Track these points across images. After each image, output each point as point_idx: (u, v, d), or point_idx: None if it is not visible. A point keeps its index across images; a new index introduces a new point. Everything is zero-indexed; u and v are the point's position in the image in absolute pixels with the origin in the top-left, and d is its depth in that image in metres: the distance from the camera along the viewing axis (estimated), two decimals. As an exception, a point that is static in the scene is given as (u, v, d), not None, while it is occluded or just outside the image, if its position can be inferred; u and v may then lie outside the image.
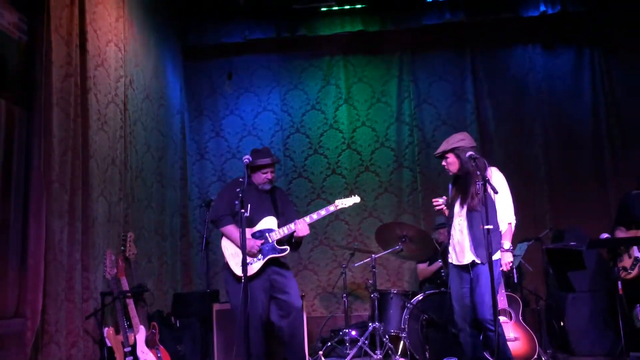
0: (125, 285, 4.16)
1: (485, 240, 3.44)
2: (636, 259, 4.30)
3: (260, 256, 4.06)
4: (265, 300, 4.09)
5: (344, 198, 4.20)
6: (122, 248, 4.40)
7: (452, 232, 3.82)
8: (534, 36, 6.42)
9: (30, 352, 3.51)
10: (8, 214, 3.63)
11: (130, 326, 4.07)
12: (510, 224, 3.74)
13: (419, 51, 6.57)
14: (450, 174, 3.83)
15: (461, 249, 3.73)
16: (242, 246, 3.34)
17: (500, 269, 3.70)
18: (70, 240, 4.04)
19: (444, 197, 3.92)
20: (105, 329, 3.91)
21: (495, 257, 3.64)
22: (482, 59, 6.47)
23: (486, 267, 3.59)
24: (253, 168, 4.19)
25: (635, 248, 4.33)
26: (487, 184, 3.42)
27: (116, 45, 4.90)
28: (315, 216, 4.10)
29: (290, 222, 4.15)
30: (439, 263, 5.00)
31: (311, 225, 4.19)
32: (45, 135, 3.83)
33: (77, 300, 4.05)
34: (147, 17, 5.60)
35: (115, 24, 4.91)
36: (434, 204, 3.87)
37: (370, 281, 5.15)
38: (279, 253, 4.09)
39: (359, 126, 6.54)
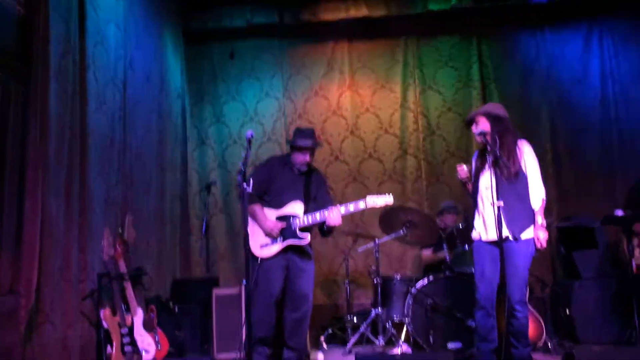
0: (122, 268, 4.06)
1: (517, 216, 3.42)
2: (646, 243, 4.20)
3: (280, 239, 4.00)
4: (281, 279, 4.02)
5: (376, 195, 4.00)
6: (120, 231, 4.30)
7: (480, 206, 3.67)
8: (542, 22, 6.29)
9: (25, 331, 3.43)
10: (2, 190, 3.54)
11: (128, 309, 3.97)
12: (543, 199, 3.61)
13: (425, 37, 6.46)
14: (479, 140, 3.62)
15: (492, 223, 3.56)
16: (244, 222, 3.25)
17: (538, 245, 3.56)
18: (67, 220, 3.96)
19: (472, 162, 3.72)
20: (102, 310, 3.81)
21: (528, 233, 3.55)
22: (489, 45, 6.35)
23: (519, 245, 3.51)
24: (293, 147, 4.15)
25: (645, 232, 4.24)
26: (500, 161, 3.32)
27: (116, 25, 4.82)
28: (343, 210, 3.95)
29: (323, 207, 4.05)
30: (444, 252, 4.88)
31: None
32: (42, 111, 3.75)
33: (73, 281, 3.96)
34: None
35: (116, 4, 4.83)
36: (458, 169, 3.66)
37: (373, 267, 5.06)
38: (299, 240, 4.00)
39: (362, 113, 6.44)
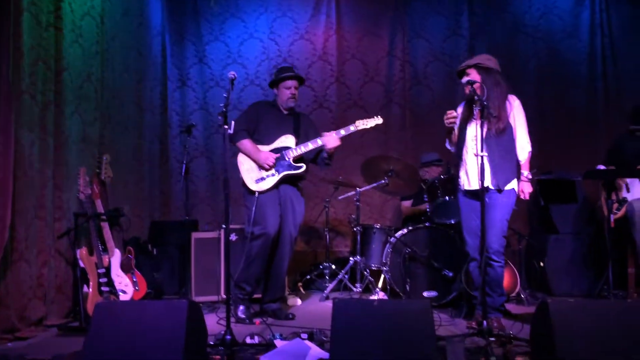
0: (100, 208, 3.99)
1: (502, 168, 3.44)
2: (624, 199, 4.24)
3: (274, 172, 3.99)
4: (277, 216, 4.03)
5: (366, 119, 4.07)
6: (97, 170, 4.20)
7: (465, 156, 3.64)
8: (535, -29, 6.14)
9: (-1, 268, 3.37)
10: (-28, 123, 3.40)
11: (105, 249, 3.93)
12: (529, 152, 3.63)
13: (415, -18, 6.27)
14: (467, 92, 3.52)
15: (474, 174, 3.54)
16: (225, 165, 3.18)
17: (522, 197, 3.61)
18: (42, 157, 3.85)
19: (458, 112, 3.63)
20: (78, 250, 3.76)
21: (510, 185, 3.56)
22: (480, -7, 6.20)
23: (501, 196, 3.54)
24: (275, 83, 4.13)
25: (624, 188, 4.27)
26: (486, 111, 3.27)
27: (92, -48, 4.55)
28: (335, 134, 3.99)
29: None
30: (424, 206, 4.88)
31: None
32: (15, 42, 3.57)
33: (48, 219, 3.90)
34: None
35: None
36: (448, 115, 3.54)
37: (353, 216, 5.06)
38: (294, 170, 4.02)
39: (348, 59, 6.29)
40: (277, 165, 4.00)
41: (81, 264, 3.75)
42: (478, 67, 3.56)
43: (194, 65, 6.36)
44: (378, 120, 4.08)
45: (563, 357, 2.30)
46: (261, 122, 4.10)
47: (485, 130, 3.47)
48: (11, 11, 3.54)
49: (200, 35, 6.36)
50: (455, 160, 3.79)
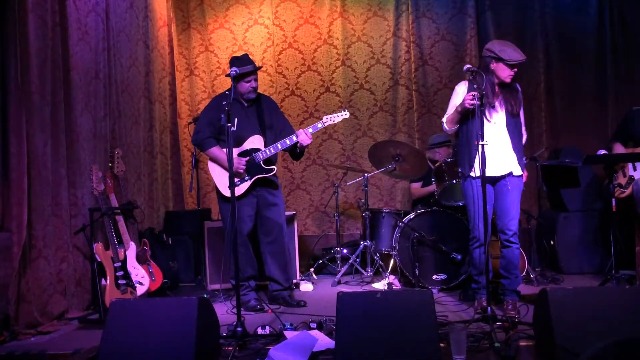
0: (114, 202, 4.11)
1: (520, 152, 3.56)
2: (631, 177, 4.23)
3: (247, 176, 4.01)
4: (252, 216, 4.09)
5: (332, 114, 4.10)
6: (110, 165, 4.31)
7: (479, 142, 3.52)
8: (542, -55, 6.01)
9: (19, 266, 3.50)
10: (-15, 127, 3.50)
11: (121, 242, 4.05)
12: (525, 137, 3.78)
13: (419, -40, 6.18)
14: (504, 79, 3.53)
15: (497, 159, 3.56)
16: (229, 160, 3.23)
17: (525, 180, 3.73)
18: (55, 155, 3.95)
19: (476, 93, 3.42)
20: (95, 245, 3.88)
21: (520, 171, 3.63)
22: (485, -31, 6.09)
23: (519, 180, 3.61)
24: (236, 78, 4.00)
25: (630, 166, 4.25)
26: (484, 98, 3.28)
27: (94, -52, 4.57)
28: (311, 129, 4.02)
29: (282, 131, 4.12)
30: (432, 187, 4.92)
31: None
32: (22, 44, 3.65)
33: (64, 216, 4.01)
34: None
35: None
36: (470, 96, 3.35)
37: (362, 200, 5.12)
38: (266, 173, 4.04)
39: (354, 41, 6.27)
40: (248, 168, 4.01)
41: (98, 259, 3.87)
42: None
43: (201, 54, 6.40)
44: (345, 114, 4.09)
45: (562, 344, 2.36)
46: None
47: (507, 116, 3.58)
48: (17, 14, 3.61)
49: (205, 23, 6.37)
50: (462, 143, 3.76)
